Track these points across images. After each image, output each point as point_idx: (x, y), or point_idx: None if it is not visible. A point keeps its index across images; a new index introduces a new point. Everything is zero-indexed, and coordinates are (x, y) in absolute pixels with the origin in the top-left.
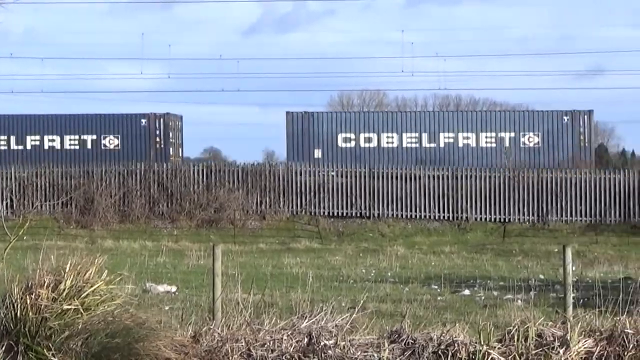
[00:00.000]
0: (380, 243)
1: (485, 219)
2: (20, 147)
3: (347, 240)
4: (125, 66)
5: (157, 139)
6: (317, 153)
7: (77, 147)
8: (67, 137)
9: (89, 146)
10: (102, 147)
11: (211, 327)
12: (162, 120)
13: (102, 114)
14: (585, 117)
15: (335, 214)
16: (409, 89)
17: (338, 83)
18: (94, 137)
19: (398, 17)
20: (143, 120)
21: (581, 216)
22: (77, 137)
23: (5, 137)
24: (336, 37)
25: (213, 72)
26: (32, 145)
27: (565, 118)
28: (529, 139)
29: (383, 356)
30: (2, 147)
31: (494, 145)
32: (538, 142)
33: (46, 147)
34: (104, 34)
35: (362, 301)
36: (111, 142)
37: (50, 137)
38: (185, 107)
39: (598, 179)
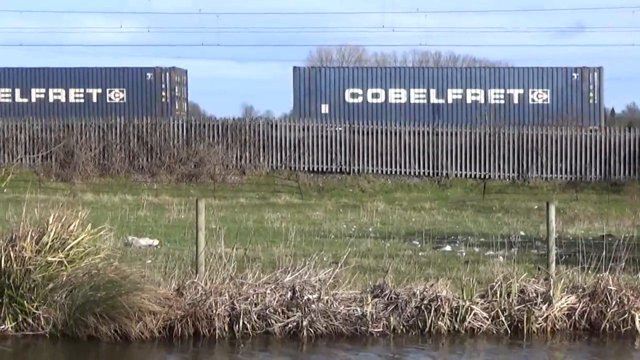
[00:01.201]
0: (360, 199)
1: (466, 175)
2: (25, 100)
3: (327, 196)
4: (104, 20)
5: (163, 93)
6: (324, 108)
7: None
8: (72, 91)
9: (94, 100)
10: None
11: (195, 280)
12: (167, 74)
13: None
14: (595, 74)
15: (315, 169)
16: (388, 45)
17: (318, 38)
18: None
19: None
20: (148, 74)
21: (561, 173)
22: (82, 90)
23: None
24: None
25: (193, 27)
26: (37, 99)
27: (574, 75)
28: (537, 96)
29: (366, 310)
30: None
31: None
32: (547, 99)
33: (51, 100)
34: None
35: (344, 256)
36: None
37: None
38: (165, 61)
39: (578, 136)
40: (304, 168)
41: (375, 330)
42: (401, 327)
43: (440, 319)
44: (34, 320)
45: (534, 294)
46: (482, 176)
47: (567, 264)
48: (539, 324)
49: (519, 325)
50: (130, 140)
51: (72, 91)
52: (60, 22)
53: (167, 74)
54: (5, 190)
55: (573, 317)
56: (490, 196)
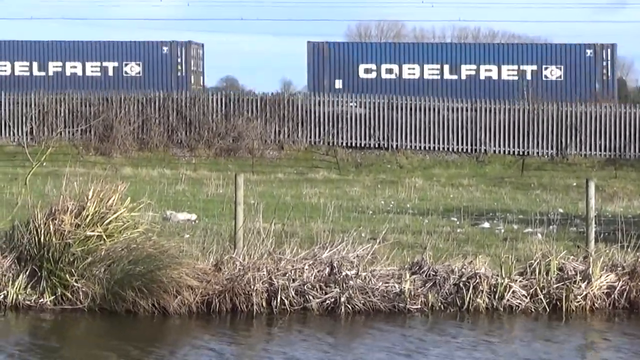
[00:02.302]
0: (398, 174)
1: (504, 152)
2: (43, 74)
3: (365, 171)
4: None
5: (179, 67)
6: (338, 84)
7: (98, 74)
8: (88, 64)
9: (110, 73)
10: (124, 74)
11: (233, 256)
12: (183, 48)
13: (124, 41)
14: (609, 50)
15: (353, 144)
16: (427, 20)
17: (356, 13)
18: (116, 64)
19: None
20: (165, 48)
21: (600, 150)
22: (98, 63)
23: (28, 63)
24: None
25: (232, 1)
26: (54, 72)
27: (588, 51)
28: (551, 72)
29: (404, 287)
30: (24, 74)
31: (515, 78)
32: (560, 75)
33: (68, 73)
34: None
35: (382, 232)
36: (133, 69)
37: (72, 63)
38: (205, 35)
39: (618, 113)
40: (342, 143)
41: (413, 307)
42: (439, 304)
43: (479, 296)
44: (72, 294)
45: (573, 272)
46: (521, 153)
47: (606, 242)
48: (578, 302)
49: (558, 303)
50: (169, 115)
51: (88, 65)
52: None
53: (183, 48)
54: (44, 164)
55: (612, 296)
56: (529, 173)
